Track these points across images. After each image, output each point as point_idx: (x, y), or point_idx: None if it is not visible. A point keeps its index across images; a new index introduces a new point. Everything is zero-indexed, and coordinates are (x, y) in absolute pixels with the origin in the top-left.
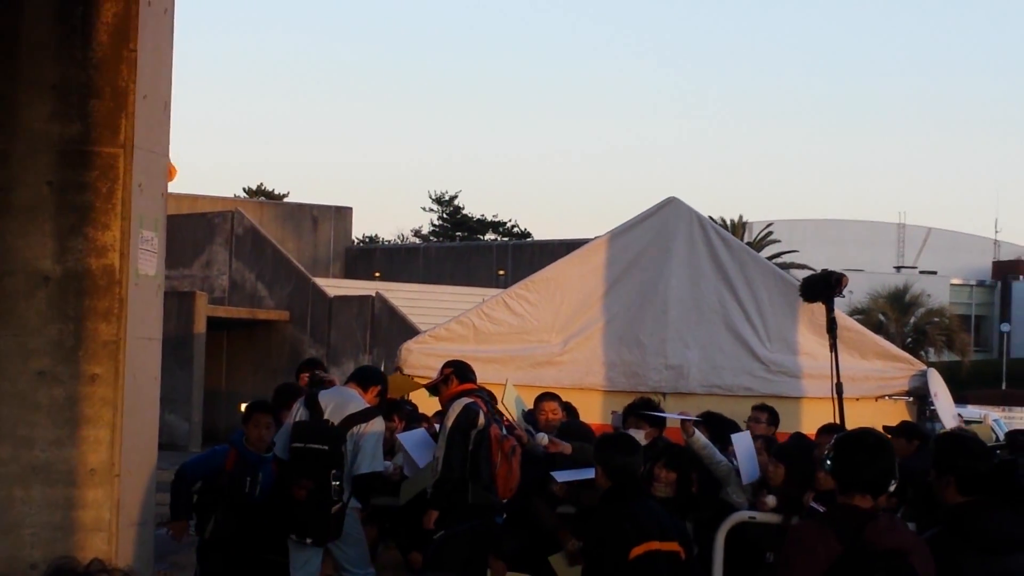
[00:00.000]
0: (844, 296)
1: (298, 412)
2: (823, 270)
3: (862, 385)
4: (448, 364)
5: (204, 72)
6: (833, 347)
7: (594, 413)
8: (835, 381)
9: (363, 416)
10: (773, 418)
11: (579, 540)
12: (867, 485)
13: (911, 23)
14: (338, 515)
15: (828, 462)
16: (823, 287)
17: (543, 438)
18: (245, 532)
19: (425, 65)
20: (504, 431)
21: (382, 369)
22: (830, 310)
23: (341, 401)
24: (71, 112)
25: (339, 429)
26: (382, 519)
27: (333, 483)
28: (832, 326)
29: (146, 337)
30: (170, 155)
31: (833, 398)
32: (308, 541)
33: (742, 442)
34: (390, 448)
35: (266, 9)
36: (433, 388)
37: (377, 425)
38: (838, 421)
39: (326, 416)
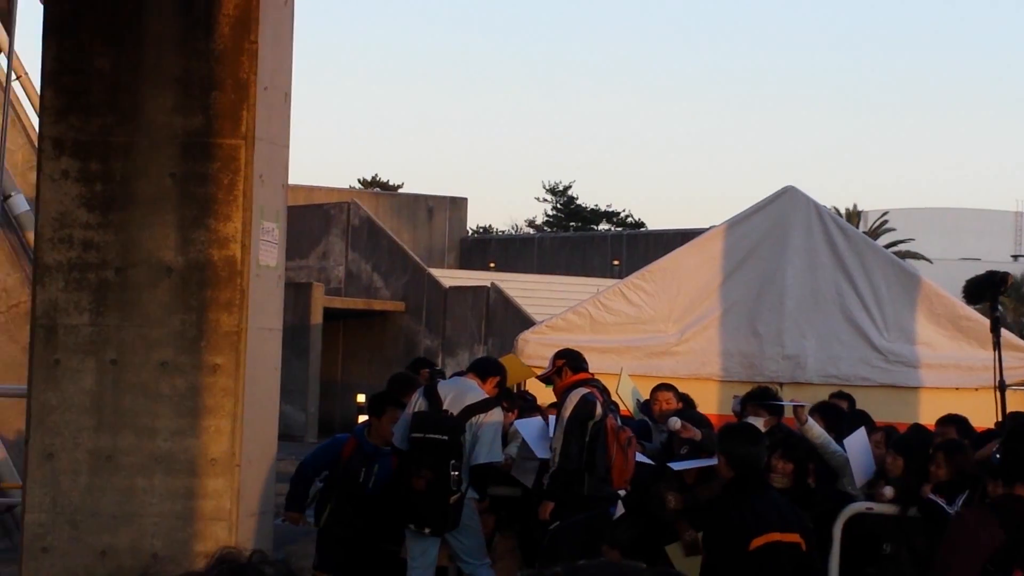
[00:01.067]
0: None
1: (417, 402)
2: (987, 271)
3: (981, 375)
4: (559, 355)
5: (319, 62)
6: (996, 345)
7: (711, 403)
8: (999, 378)
9: (482, 406)
10: (852, 406)
11: (696, 531)
12: None
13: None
14: (456, 505)
15: (997, 455)
16: (988, 287)
17: (675, 423)
18: (359, 522)
19: (538, 54)
20: (619, 422)
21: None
22: (994, 308)
23: (460, 391)
24: (193, 104)
25: (458, 419)
26: (499, 509)
27: (452, 473)
28: (996, 324)
29: (267, 328)
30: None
31: (995, 393)
32: (426, 531)
33: (856, 443)
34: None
35: None
36: (547, 379)
37: (496, 415)
38: (999, 418)
39: (445, 406)
